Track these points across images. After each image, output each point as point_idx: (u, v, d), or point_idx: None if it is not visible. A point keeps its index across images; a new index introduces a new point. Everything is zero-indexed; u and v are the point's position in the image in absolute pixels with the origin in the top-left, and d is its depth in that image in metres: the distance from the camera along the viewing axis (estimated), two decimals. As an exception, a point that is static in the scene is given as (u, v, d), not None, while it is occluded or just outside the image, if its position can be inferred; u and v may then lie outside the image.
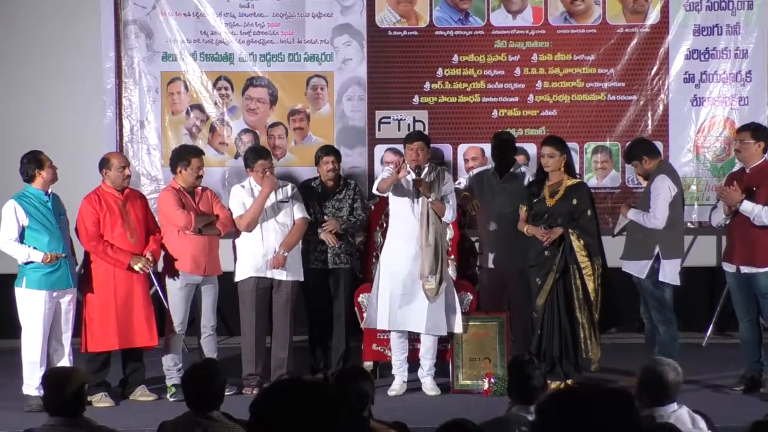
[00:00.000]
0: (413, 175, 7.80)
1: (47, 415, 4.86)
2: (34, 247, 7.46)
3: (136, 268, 7.68)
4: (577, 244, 7.74)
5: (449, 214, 7.82)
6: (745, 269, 7.63)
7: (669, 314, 7.92)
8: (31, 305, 7.50)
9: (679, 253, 8.04)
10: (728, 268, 7.78)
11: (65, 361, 7.54)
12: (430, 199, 7.75)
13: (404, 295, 7.78)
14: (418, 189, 7.77)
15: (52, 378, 4.94)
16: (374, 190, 7.96)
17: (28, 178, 7.61)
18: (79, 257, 8.06)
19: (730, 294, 8.01)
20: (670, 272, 7.85)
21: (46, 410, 4.90)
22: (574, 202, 7.80)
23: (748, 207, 7.50)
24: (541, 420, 2.56)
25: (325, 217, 8.32)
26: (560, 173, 7.85)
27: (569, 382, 7.75)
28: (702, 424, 4.72)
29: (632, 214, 7.94)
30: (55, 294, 7.54)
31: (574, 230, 7.75)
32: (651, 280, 7.85)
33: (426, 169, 7.86)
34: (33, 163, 7.58)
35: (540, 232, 7.76)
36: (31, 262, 7.46)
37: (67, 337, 7.63)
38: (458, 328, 7.90)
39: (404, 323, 7.84)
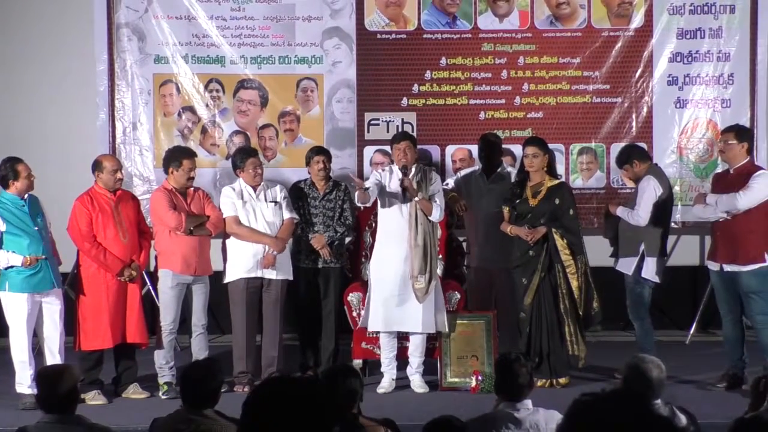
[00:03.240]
0: (400, 175, 7.90)
1: (41, 412, 4.86)
2: (13, 251, 7.50)
3: (121, 279, 7.79)
4: (560, 243, 7.85)
5: (437, 213, 7.89)
6: (728, 268, 7.73)
7: (643, 311, 8.15)
8: (15, 308, 7.55)
9: (661, 252, 8.21)
10: (712, 266, 7.90)
11: (57, 360, 7.54)
12: (417, 199, 7.84)
13: (397, 296, 7.84)
14: (405, 189, 7.88)
15: (45, 376, 4.96)
16: (356, 202, 8.03)
17: (3, 184, 7.63)
18: (71, 257, 8.16)
19: (714, 292, 8.13)
20: (651, 270, 8.07)
21: (40, 408, 4.91)
22: (557, 201, 7.92)
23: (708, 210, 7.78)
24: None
25: (314, 236, 8.39)
26: (542, 173, 7.98)
27: (561, 381, 7.89)
28: (684, 421, 4.81)
29: (620, 211, 8.18)
30: (37, 296, 7.59)
31: (558, 229, 7.87)
32: (634, 277, 8.07)
33: (413, 170, 7.96)
34: (9, 172, 7.58)
35: (524, 232, 7.87)
36: (11, 266, 7.50)
37: (56, 336, 7.66)
38: (443, 327, 7.98)
39: (400, 324, 7.90)
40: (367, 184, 7.91)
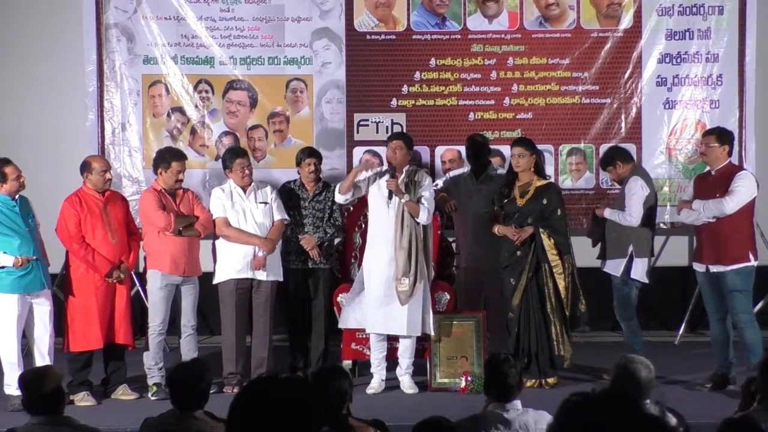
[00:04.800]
0: (387, 177, 7.91)
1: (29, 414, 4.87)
2: (4, 252, 7.49)
3: (109, 281, 7.79)
4: (547, 243, 7.87)
5: (423, 216, 7.83)
6: (714, 268, 7.76)
7: (630, 312, 8.20)
8: (5, 309, 7.53)
9: (649, 253, 8.25)
10: (698, 267, 7.92)
11: (46, 362, 7.52)
12: (403, 201, 7.84)
13: (382, 298, 7.84)
14: (390, 191, 7.86)
15: (28, 378, 4.96)
16: (336, 198, 8.03)
17: None
18: (61, 258, 8.14)
19: (701, 293, 8.17)
20: (640, 270, 8.12)
21: (26, 410, 4.92)
22: (544, 201, 7.94)
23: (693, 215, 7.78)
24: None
25: (304, 237, 8.40)
26: (530, 174, 7.99)
27: (550, 381, 7.90)
28: (673, 421, 4.82)
29: (608, 213, 8.20)
30: (27, 297, 7.58)
31: (545, 229, 7.88)
32: (621, 278, 8.11)
33: (404, 171, 7.95)
34: None
35: (511, 232, 7.89)
36: (2, 267, 7.49)
37: (46, 338, 7.65)
38: (429, 329, 7.93)
39: (384, 326, 7.89)
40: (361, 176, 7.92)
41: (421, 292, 7.85)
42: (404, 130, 9.47)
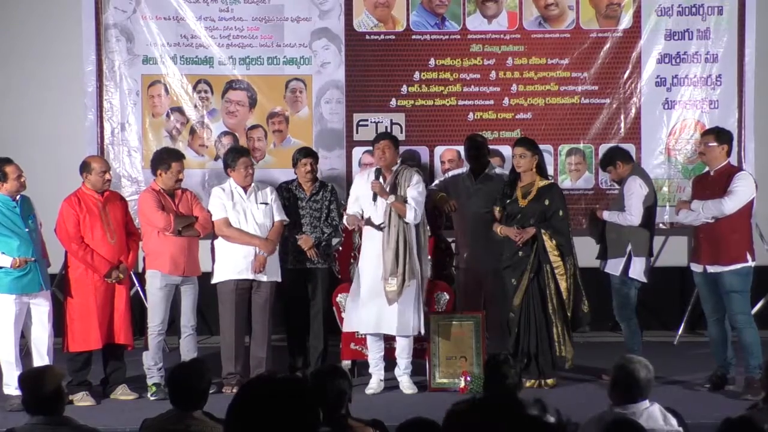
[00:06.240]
0: (373, 179, 7.89)
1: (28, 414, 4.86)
2: (3, 252, 7.48)
3: (108, 281, 7.78)
4: (549, 244, 7.86)
5: (410, 215, 7.78)
6: (711, 269, 7.77)
7: (630, 312, 8.22)
8: (2, 309, 7.53)
9: (648, 252, 8.26)
10: (695, 268, 7.92)
11: (45, 362, 7.51)
12: (388, 202, 7.82)
13: (373, 298, 7.84)
14: (374, 192, 7.84)
15: (28, 378, 4.95)
16: (347, 225, 8.12)
17: None
18: (60, 258, 8.14)
19: (699, 293, 8.17)
20: (639, 270, 8.14)
21: (26, 410, 4.91)
22: (546, 202, 7.94)
23: (691, 215, 7.78)
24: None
25: (301, 237, 8.39)
26: (532, 174, 8.00)
27: (549, 381, 7.90)
28: (673, 421, 4.82)
29: (607, 216, 8.21)
30: (25, 297, 7.58)
31: (547, 230, 7.88)
32: (620, 278, 8.12)
33: (393, 170, 7.93)
34: None
35: (513, 232, 7.89)
36: (0, 267, 7.49)
37: (45, 338, 7.64)
38: (417, 330, 7.89)
39: (375, 326, 7.88)
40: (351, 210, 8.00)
41: (412, 291, 7.83)
42: (403, 130, 9.48)
